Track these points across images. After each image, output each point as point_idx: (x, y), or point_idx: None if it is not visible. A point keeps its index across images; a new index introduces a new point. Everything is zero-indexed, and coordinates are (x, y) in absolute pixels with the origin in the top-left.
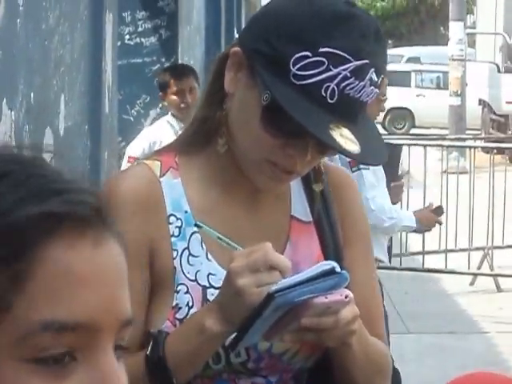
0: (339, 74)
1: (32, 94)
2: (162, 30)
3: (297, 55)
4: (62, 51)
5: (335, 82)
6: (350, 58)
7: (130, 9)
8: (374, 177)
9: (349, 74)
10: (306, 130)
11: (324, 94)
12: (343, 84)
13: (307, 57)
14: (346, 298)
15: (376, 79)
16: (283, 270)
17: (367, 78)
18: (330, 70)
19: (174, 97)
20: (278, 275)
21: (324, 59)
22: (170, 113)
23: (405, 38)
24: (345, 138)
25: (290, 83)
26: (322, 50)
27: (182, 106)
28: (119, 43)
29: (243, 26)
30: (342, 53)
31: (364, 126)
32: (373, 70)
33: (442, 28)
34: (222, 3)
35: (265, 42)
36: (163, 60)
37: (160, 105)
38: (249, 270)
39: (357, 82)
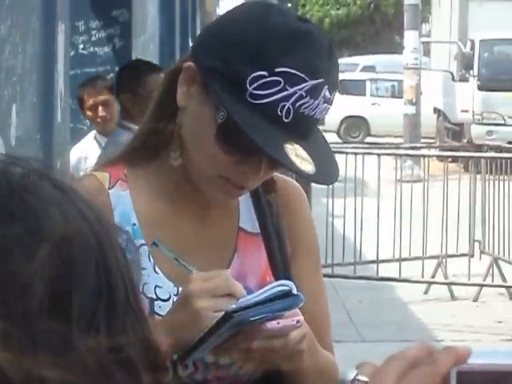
0: (295, 93)
1: None
2: (115, 40)
3: (253, 74)
4: (13, 61)
5: (291, 101)
6: (305, 77)
7: (84, 18)
8: None
9: (304, 94)
10: (263, 150)
11: (280, 113)
12: (298, 103)
13: (264, 76)
14: (297, 322)
15: (329, 96)
16: (239, 297)
17: (321, 95)
18: (286, 89)
19: (89, 112)
20: (235, 302)
21: (280, 79)
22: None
23: (360, 46)
24: (300, 157)
25: (246, 102)
26: (278, 69)
27: (98, 120)
28: (73, 52)
29: (195, 39)
30: (298, 72)
31: (317, 143)
32: (326, 87)
33: (397, 37)
34: (176, 13)
35: (221, 61)
36: (117, 69)
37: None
38: (208, 294)
39: (312, 101)
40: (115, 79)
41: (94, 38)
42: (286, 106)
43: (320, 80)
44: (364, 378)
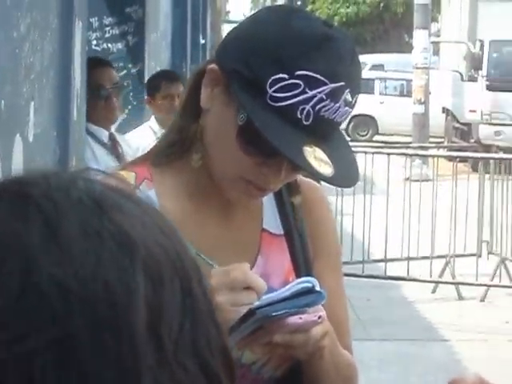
0: (315, 96)
1: (2, 102)
2: (129, 36)
3: (273, 77)
4: (32, 59)
5: (311, 104)
6: (326, 80)
7: (98, 15)
8: None
9: (324, 97)
10: (281, 153)
11: (299, 116)
12: (318, 106)
13: (284, 79)
14: (319, 318)
15: (350, 99)
16: (259, 290)
17: (342, 99)
18: (306, 92)
19: (163, 100)
20: (255, 296)
21: (300, 82)
22: (153, 117)
23: (369, 45)
24: (318, 160)
25: (266, 105)
26: (298, 72)
27: (170, 109)
28: (86, 49)
29: (215, 38)
30: (318, 76)
31: (338, 146)
32: (348, 90)
33: (406, 36)
34: (188, 9)
35: (242, 63)
36: (130, 66)
37: (126, 110)
38: (227, 288)
39: (332, 104)
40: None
41: (107, 35)
42: (306, 109)
43: (341, 83)
44: None
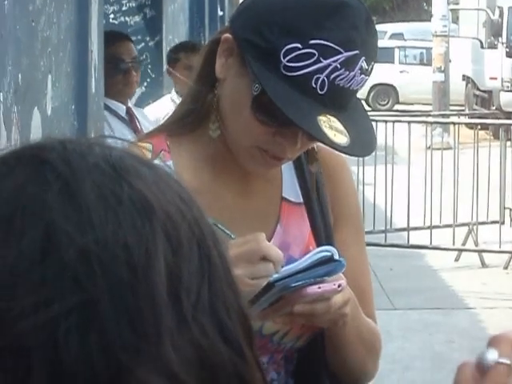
0: (329, 65)
1: (20, 75)
2: (146, 9)
3: (287, 47)
4: (48, 32)
5: (325, 73)
6: (340, 49)
7: None
8: None
9: (339, 66)
10: (294, 122)
11: (314, 86)
12: (333, 75)
13: (298, 48)
14: (338, 286)
15: (366, 67)
16: (276, 260)
17: (357, 67)
18: (320, 61)
19: (183, 71)
20: (272, 268)
21: (314, 51)
22: (173, 90)
23: (387, 14)
24: (334, 129)
25: (280, 74)
26: (312, 41)
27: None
28: (104, 22)
29: (233, 10)
30: (332, 44)
31: (355, 115)
32: (363, 58)
33: (424, 4)
34: None
35: (256, 33)
36: (147, 39)
37: (145, 83)
38: (244, 261)
39: (347, 73)
40: None
41: (124, 8)
42: (321, 78)
43: (355, 52)
44: (507, 361)
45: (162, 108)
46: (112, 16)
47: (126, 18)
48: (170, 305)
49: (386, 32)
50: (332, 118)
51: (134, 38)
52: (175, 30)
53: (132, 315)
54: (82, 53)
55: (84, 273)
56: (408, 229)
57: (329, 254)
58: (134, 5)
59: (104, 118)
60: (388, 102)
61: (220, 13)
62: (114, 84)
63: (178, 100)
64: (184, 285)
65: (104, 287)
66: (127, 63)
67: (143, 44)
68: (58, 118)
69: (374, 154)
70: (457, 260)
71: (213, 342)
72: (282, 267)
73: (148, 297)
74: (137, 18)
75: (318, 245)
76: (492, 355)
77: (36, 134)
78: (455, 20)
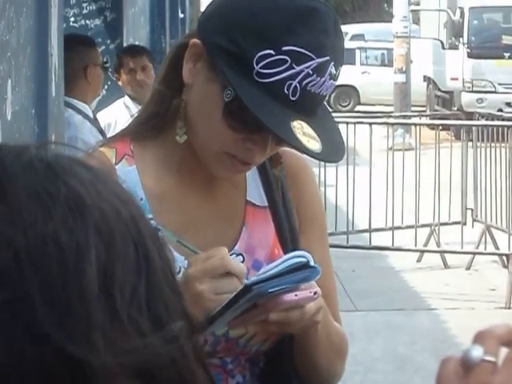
0: (302, 71)
1: None
2: (106, 12)
3: (260, 53)
4: (8, 36)
5: (297, 79)
6: (312, 55)
7: None
8: None
9: (311, 72)
10: (269, 129)
11: (286, 92)
12: (305, 81)
13: (270, 55)
14: (314, 294)
15: (335, 72)
16: (239, 275)
17: (327, 72)
18: (293, 67)
19: (127, 75)
20: (237, 282)
21: (287, 57)
22: (125, 95)
23: (348, 15)
24: (307, 135)
25: (253, 81)
26: (285, 48)
27: (135, 83)
28: (64, 25)
29: (194, 12)
30: (304, 51)
31: (324, 120)
32: (332, 64)
33: (385, 5)
34: None
35: (227, 38)
36: (108, 42)
37: (106, 87)
38: (207, 276)
39: (318, 79)
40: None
41: (85, 11)
42: (293, 85)
43: (326, 58)
44: (492, 359)
45: (115, 113)
46: (72, 19)
47: (87, 21)
48: (103, 300)
49: (347, 33)
50: (304, 124)
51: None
52: (136, 32)
53: (62, 310)
54: (42, 57)
55: (14, 268)
56: (370, 230)
57: (304, 259)
58: (94, 8)
59: (64, 122)
60: (349, 103)
61: (181, 15)
62: (81, 88)
63: (131, 104)
64: (117, 281)
65: (35, 282)
66: (94, 68)
67: (104, 47)
68: (18, 122)
69: None
70: (419, 261)
71: (150, 340)
72: (247, 279)
73: (78, 291)
74: (97, 21)
75: (284, 248)
76: (477, 352)
77: None
78: (416, 21)
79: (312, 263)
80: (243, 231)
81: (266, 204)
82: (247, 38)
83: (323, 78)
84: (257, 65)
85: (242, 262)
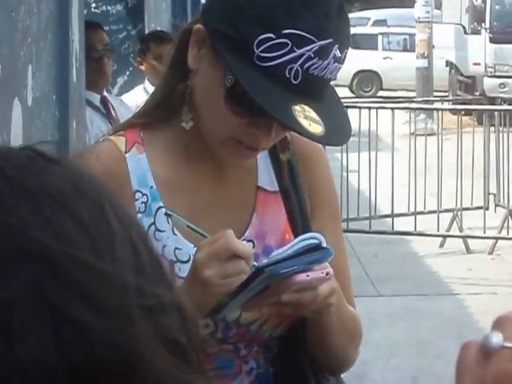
0: (303, 54)
1: (0, 66)
2: None
3: (260, 37)
4: (28, 22)
5: (299, 62)
6: (313, 38)
7: None
8: None
9: (312, 55)
10: (269, 113)
11: (288, 75)
12: (307, 64)
13: (271, 39)
14: (326, 275)
15: (340, 55)
16: (246, 257)
17: (331, 55)
18: (294, 51)
19: (153, 62)
20: (244, 265)
21: (287, 41)
22: (146, 80)
23: (370, 0)
24: (309, 119)
25: (253, 65)
26: (285, 31)
27: (159, 70)
28: (85, 11)
29: (205, 2)
30: (305, 34)
31: (330, 103)
32: (336, 46)
33: None
34: None
35: (228, 24)
36: (130, 28)
37: (127, 72)
38: (214, 261)
39: (321, 62)
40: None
41: None
42: (294, 68)
43: (329, 40)
44: None
45: (135, 98)
46: (94, 5)
47: (108, 7)
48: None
49: (370, 19)
50: (307, 108)
51: (115, 27)
52: (157, 18)
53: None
54: (63, 42)
55: None
56: (392, 215)
57: (316, 241)
58: None
59: (85, 107)
60: (372, 89)
61: (202, 0)
62: (87, 73)
63: (151, 90)
64: (107, 272)
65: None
66: (99, 51)
67: (125, 33)
68: (38, 108)
69: (357, 140)
70: (441, 246)
71: (142, 332)
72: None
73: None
74: (119, 7)
75: (295, 233)
76: (497, 338)
77: (16, 124)
78: (438, 6)
79: (324, 244)
80: (254, 217)
81: (277, 189)
82: (247, 23)
83: (326, 61)
84: (257, 49)
85: (253, 248)
